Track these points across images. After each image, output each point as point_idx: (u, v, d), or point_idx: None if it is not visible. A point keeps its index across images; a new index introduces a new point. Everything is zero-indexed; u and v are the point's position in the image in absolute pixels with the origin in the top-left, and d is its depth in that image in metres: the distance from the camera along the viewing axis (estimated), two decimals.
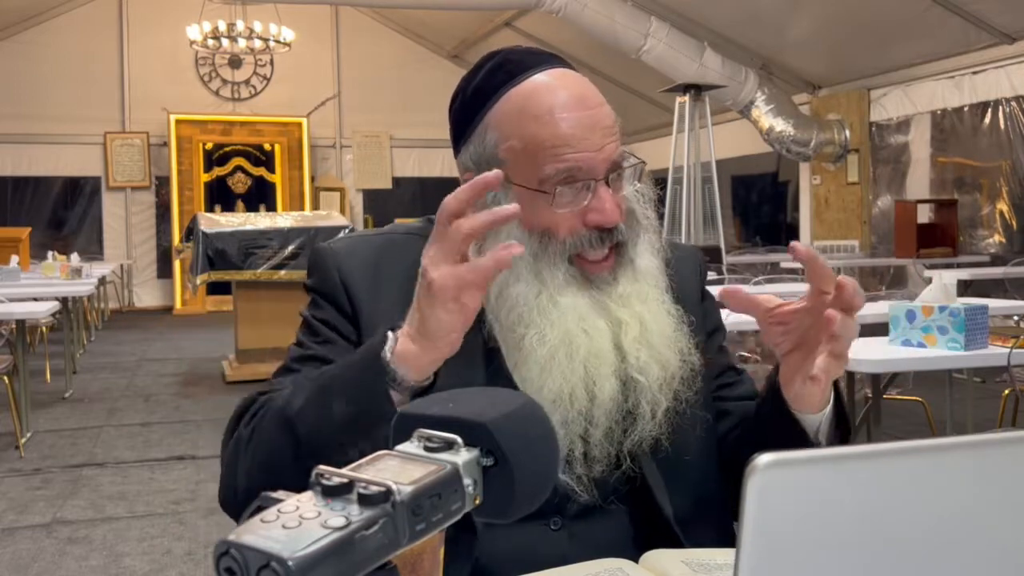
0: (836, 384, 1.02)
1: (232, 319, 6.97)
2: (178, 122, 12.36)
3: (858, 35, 8.00)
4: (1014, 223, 7.43)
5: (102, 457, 4.69)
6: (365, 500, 0.47)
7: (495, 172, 0.88)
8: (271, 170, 12.96)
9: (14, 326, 4.87)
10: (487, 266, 0.86)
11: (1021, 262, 6.76)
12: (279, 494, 0.48)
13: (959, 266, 7.01)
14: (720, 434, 1.16)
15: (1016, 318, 4.62)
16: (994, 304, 3.94)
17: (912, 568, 0.54)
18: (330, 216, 7.59)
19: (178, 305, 12.21)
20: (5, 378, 4.70)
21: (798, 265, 7.95)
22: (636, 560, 0.97)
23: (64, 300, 6.33)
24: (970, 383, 4.91)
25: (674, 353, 1.06)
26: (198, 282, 6.53)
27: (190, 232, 6.93)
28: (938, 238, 7.69)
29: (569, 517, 1.07)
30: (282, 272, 6.58)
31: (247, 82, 12.99)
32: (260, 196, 12.78)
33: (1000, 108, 7.40)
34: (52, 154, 12.05)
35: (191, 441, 5.00)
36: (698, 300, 1.19)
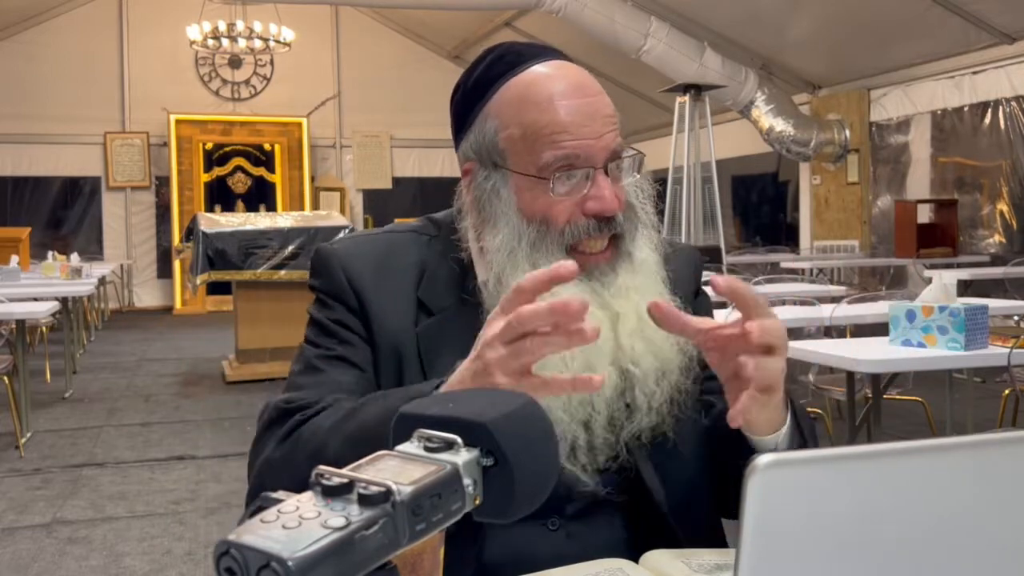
0: (793, 401, 1.01)
1: (232, 319, 6.97)
2: (178, 122, 12.36)
3: (858, 35, 8.00)
4: (1014, 223, 7.43)
5: (102, 457, 4.69)
6: (365, 500, 0.47)
7: (571, 263, 0.84)
8: (271, 170, 12.96)
9: (14, 326, 4.88)
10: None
11: (1021, 262, 6.76)
12: (279, 494, 0.48)
13: (959, 266, 7.02)
14: (706, 426, 1.16)
15: (1016, 318, 4.62)
16: (994, 304, 3.95)
17: (912, 568, 0.54)
18: (330, 216, 7.59)
19: (178, 305, 12.21)
20: (5, 378, 4.70)
21: (798, 265, 7.90)
22: (634, 560, 0.97)
23: (64, 300, 6.33)
24: (970, 383, 4.91)
25: (671, 345, 1.05)
26: (198, 282, 6.54)
27: (190, 232, 6.93)
28: (938, 238, 7.69)
29: (567, 517, 1.07)
30: (282, 272, 6.59)
31: (247, 82, 12.99)
32: (260, 196, 12.78)
33: (1000, 108, 7.40)
34: (52, 154, 12.05)
35: (191, 441, 5.00)
36: (692, 299, 1.19)
